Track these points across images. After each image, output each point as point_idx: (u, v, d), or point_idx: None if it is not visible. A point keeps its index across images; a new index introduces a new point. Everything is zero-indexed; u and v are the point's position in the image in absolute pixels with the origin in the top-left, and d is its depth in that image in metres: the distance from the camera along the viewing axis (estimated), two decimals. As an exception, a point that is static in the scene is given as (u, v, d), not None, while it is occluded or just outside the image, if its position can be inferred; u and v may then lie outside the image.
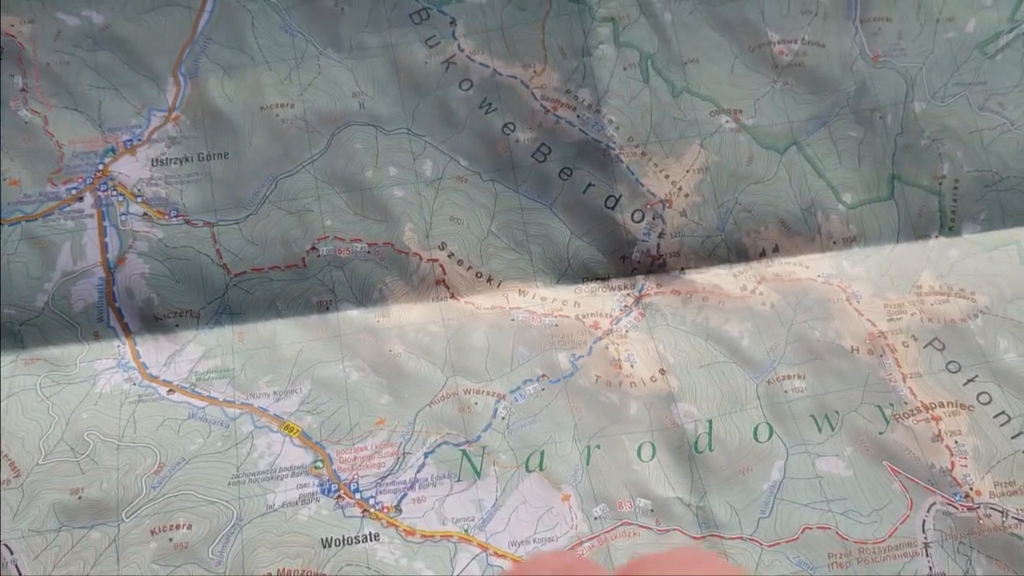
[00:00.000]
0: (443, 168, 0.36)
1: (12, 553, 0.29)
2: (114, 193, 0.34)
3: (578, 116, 0.36)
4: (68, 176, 0.35)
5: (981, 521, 0.30)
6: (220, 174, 0.35)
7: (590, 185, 0.36)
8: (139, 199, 0.34)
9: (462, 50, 0.37)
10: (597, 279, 0.35)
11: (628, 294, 0.35)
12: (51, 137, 0.35)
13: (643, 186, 0.36)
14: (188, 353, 0.33)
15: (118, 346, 0.33)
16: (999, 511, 0.31)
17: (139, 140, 0.35)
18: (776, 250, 0.36)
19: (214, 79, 0.36)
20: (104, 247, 0.34)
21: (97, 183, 0.35)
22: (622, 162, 0.36)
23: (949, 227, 0.36)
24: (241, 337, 0.33)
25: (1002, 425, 0.32)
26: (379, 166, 0.35)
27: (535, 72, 0.37)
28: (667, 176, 0.36)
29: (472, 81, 0.36)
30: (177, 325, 0.34)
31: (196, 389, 0.32)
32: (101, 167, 0.35)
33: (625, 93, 0.36)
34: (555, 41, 0.37)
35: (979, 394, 0.33)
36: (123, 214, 0.34)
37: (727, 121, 0.37)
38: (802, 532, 0.30)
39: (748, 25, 0.37)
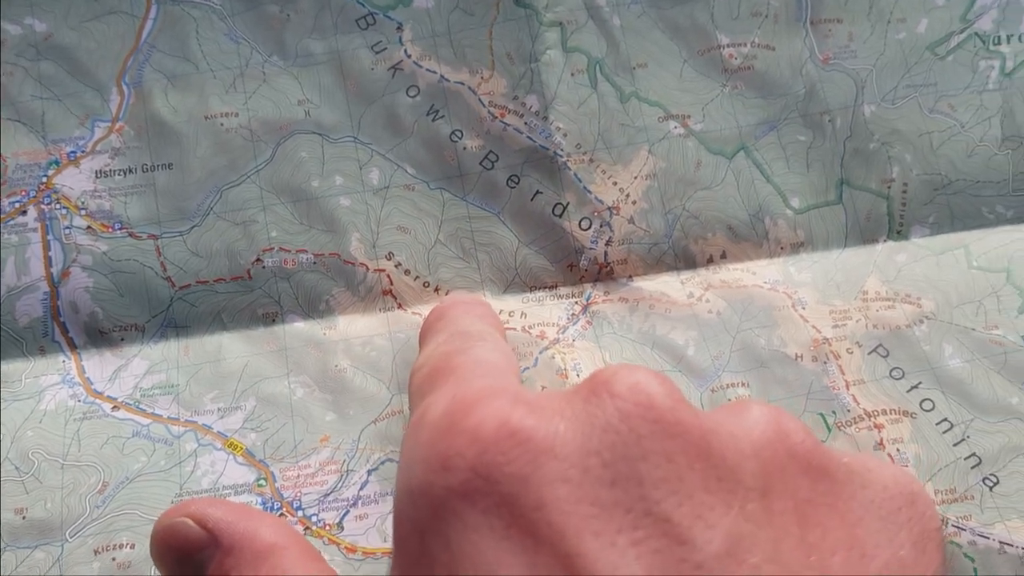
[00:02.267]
0: (390, 177, 0.36)
1: (-44, 574, 0.30)
2: (58, 206, 0.34)
3: (525, 123, 0.36)
4: (11, 189, 0.34)
5: (920, 529, 0.31)
6: (164, 185, 0.35)
7: (538, 192, 0.36)
8: (83, 212, 0.34)
9: (409, 56, 0.36)
10: (545, 288, 0.35)
11: (575, 302, 0.35)
12: (-7, 149, 0.35)
13: (591, 193, 0.36)
14: (133, 368, 0.33)
15: (63, 361, 0.33)
16: (939, 519, 0.31)
17: (83, 151, 0.35)
18: (724, 256, 0.36)
19: (158, 88, 0.36)
20: (48, 261, 0.34)
21: (40, 196, 0.34)
22: (569, 169, 0.36)
23: (897, 231, 0.36)
24: (186, 351, 0.33)
25: (944, 432, 0.32)
26: (325, 175, 0.35)
27: (482, 78, 0.36)
28: (615, 183, 0.36)
29: (419, 88, 0.36)
30: (122, 339, 0.33)
31: (141, 406, 0.32)
32: (44, 180, 0.35)
33: (573, 99, 0.36)
34: (502, 47, 0.37)
35: (922, 401, 0.33)
36: (67, 227, 0.34)
37: (675, 127, 0.37)
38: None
39: (698, 28, 0.37)
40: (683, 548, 0.18)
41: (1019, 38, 0.38)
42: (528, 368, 0.33)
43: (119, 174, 0.35)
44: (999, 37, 0.38)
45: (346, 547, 0.30)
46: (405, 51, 0.36)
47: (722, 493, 0.19)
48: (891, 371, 0.33)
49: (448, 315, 0.30)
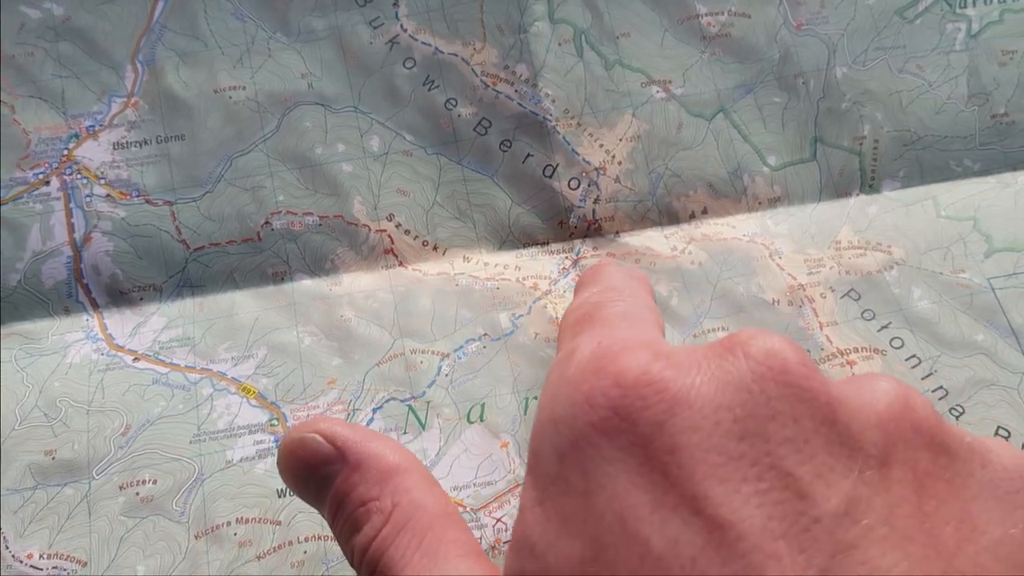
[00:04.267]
0: (389, 143, 0.38)
1: (-8, 511, 0.32)
2: (79, 176, 0.37)
3: (516, 90, 0.38)
4: (35, 162, 0.37)
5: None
6: (178, 155, 0.37)
7: (529, 155, 0.38)
8: (102, 181, 0.37)
9: (405, 30, 0.39)
10: (537, 244, 0.37)
11: (566, 257, 0.37)
12: (18, 125, 0.37)
13: (579, 155, 0.38)
14: (152, 324, 0.35)
15: (87, 319, 0.35)
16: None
17: (101, 125, 0.37)
18: (705, 212, 0.38)
19: (170, 65, 0.38)
20: (71, 227, 0.36)
21: (63, 167, 0.37)
22: (558, 133, 0.38)
23: (869, 185, 0.38)
24: (201, 308, 0.36)
25: (913, 367, 0.34)
26: (328, 143, 0.38)
27: (475, 50, 0.39)
28: (601, 145, 0.38)
29: (415, 60, 0.39)
30: (141, 298, 0.36)
31: (160, 356, 0.35)
32: (66, 152, 0.37)
33: (560, 67, 0.38)
34: (493, 19, 0.39)
35: (892, 339, 0.35)
36: (88, 196, 0.36)
37: (658, 91, 0.39)
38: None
39: (677, -1, 0.40)
40: (803, 502, 0.19)
41: (985, 1, 0.40)
42: (522, 316, 0.35)
43: (135, 145, 0.37)
44: (966, 1, 0.40)
45: (353, 479, 0.32)
46: (401, 25, 0.39)
47: (843, 458, 0.20)
48: (862, 313, 0.36)
49: (603, 272, 0.32)
